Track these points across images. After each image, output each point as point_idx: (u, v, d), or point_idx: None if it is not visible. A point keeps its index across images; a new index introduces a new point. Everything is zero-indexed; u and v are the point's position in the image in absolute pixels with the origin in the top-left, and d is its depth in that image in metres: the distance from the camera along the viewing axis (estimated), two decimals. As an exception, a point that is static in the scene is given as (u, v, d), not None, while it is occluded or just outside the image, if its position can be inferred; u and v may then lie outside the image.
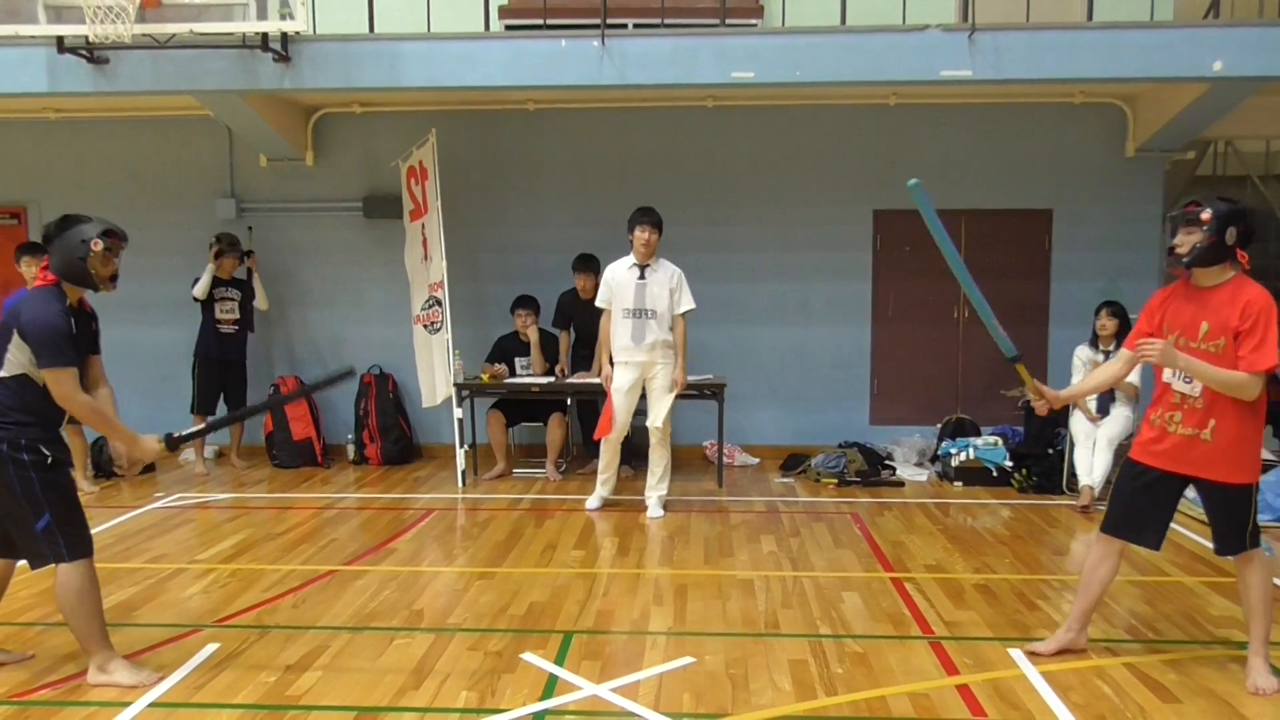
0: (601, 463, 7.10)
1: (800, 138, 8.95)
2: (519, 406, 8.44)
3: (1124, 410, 7.23)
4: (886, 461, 8.37)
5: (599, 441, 7.12)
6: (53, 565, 3.96)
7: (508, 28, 8.15)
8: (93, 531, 4.14)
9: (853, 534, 6.51)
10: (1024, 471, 7.81)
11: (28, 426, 3.90)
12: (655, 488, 7.00)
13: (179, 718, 3.78)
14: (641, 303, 6.85)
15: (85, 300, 4.12)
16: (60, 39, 7.08)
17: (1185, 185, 9.78)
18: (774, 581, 5.43)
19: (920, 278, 8.95)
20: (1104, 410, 7.27)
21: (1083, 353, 7.48)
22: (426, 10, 7.85)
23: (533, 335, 8.35)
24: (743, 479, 8.27)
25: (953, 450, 8.13)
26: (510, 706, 3.82)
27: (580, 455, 8.74)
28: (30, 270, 6.88)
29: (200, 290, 8.43)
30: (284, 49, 7.14)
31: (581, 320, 8.32)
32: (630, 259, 6.93)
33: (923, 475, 8.24)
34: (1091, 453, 7.16)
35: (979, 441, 8.14)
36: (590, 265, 8.23)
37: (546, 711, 3.80)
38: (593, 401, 8.40)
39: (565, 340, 8.45)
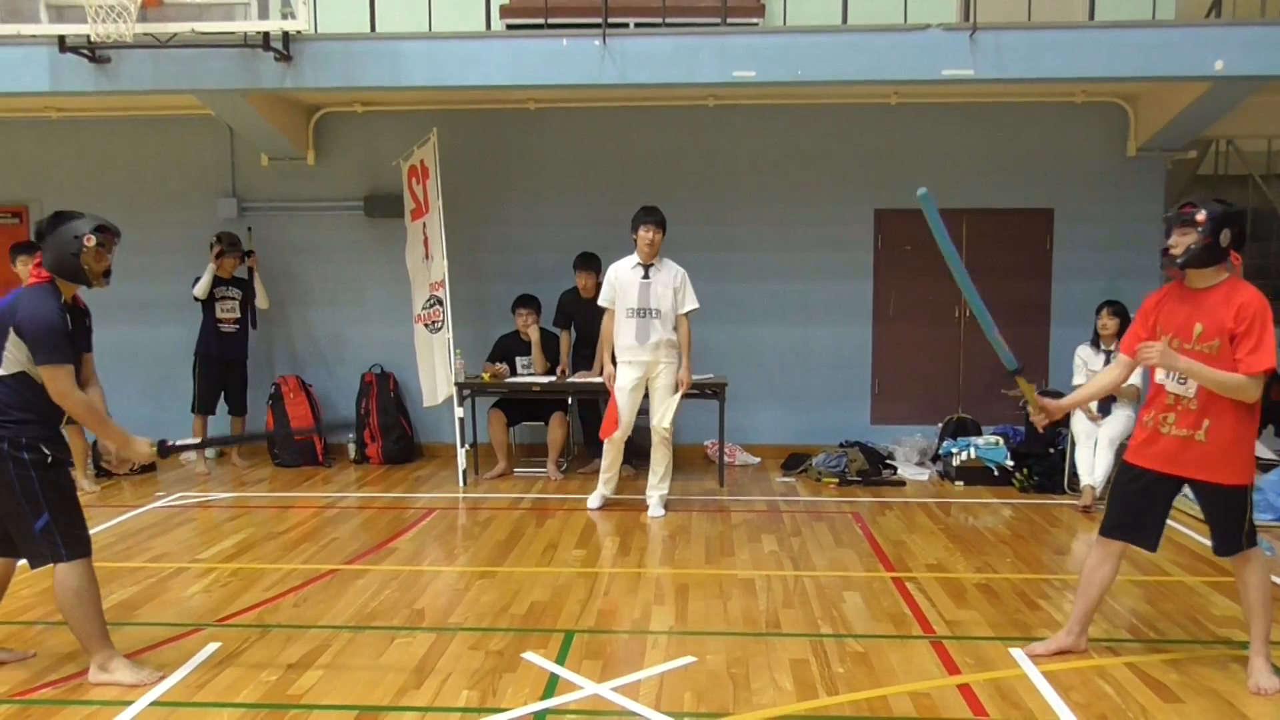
0: (605, 462, 7.10)
1: (801, 137, 8.95)
2: (520, 406, 8.44)
3: (1125, 410, 7.23)
4: (887, 461, 8.37)
5: (602, 441, 7.12)
6: (51, 565, 3.96)
7: (509, 27, 8.15)
8: (94, 530, 4.15)
9: (854, 533, 6.51)
10: (1025, 471, 7.81)
11: (28, 425, 3.90)
12: (656, 487, 6.99)
13: (180, 717, 3.78)
14: (646, 302, 6.85)
15: (79, 297, 4.12)
16: (62, 38, 7.08)
17: (1187, 184, 9.79)
18: (775, 581, 5.43)
19: (921, 277, 8.95)
20: (1105, 410, 7.26)
21: (1084, 352, 7.48)
22: (428, 10, 7.86)
23: (534, 334, 8.35)
24: (744, 478, 8.27)
25: (954, 450, 8.13)
26: (511, 706, 3.82)
27: (581, 455, 8.75)
28: (26, 269, 6.87)
29: (201, 290, 8.44)
30: (285, 48, 7.14)
31: (582, 319, 8.32)
32: (634, 258, 6.93)
33: (924, 475, 8.24)
34: (1093, 452, 7.16)
35: (980, 441, 8.13)
36: (591, 264, 8.23)
37: (548, 711, 3.80)
38: (594, 401, 8.41)
39: (566, 339, 8.45)
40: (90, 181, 9.15)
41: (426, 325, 8.40)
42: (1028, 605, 5.04)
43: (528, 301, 8.41)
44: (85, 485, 7.58)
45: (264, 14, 6.94)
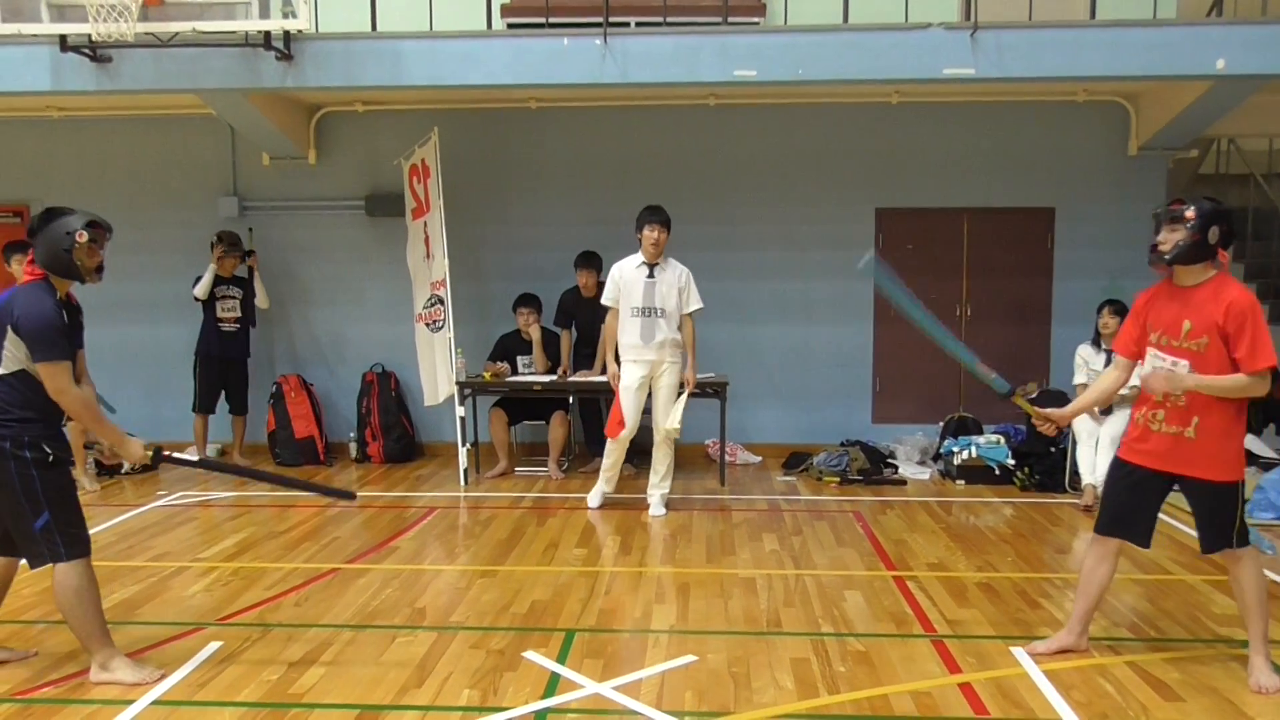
0: (608, 460, 7.08)
1: (802, 136, 8.95)
2: (521, 405, 8.44)
3: (1126, 409, 7.21)
4: (889, 460, 8.37)
5: (604, 441, 7.11)
6: (51, 564, 3.96)
7: (510, 26, 8.16)
8: (96, 530, 4.16)
9: (855, 532, 6.51)
10: (1026, 470, 7.81)
11: (30, 423, 3.90)
12: (658, 486, 6.99)
13: (181, 716, 3.78)
14: (651, 301, 6.84)
15: (72, 294, 4.12)
16: (63, 38, 7.08)
17: (1188, 183, 9.78)
18: (776, 580, 5.43)
19: (922, 276, 8.93)
20: (1106, 409, 7.25)
21: (1085, 352, 7.47)
22: (429, 9, 7.86)
23: (535, 333, 8.35)
24: (745, 477, 8.27)
25: (955, 449, 8.13)
26: (512, 705, 3.82)
27: (582, 454, 8.75)
28: (21, 268, 6.84)
29: (201, 290, 8.45)
30: (286, 47, 7.15)
31: (583, 318, 8.32)
32: (638, 257, 6.92)
33: (925, 474, 8.24)
34: (1094, 451, 7.14)
35: (981, 440, 8.13)
36: (592, 262, 8.23)
37: (548, 710, 3.80)
38: (595, 400, 8.42)
39: (567, 339, 8.45)
40: (91, 181, 9.15)
41: (428, 324, 8.41)
42: (1029, 604, 5.04)
43: (529, 300, 8.41)
44: (85, 484, 7.59)
45: (265, 13, 6.94)
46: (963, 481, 7.95)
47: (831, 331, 9.05)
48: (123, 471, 8.26)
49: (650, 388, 6.95)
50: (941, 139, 8.85)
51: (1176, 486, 4.10)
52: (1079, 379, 7.41)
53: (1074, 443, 7.46)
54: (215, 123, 8.87)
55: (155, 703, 3.85)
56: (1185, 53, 6.99)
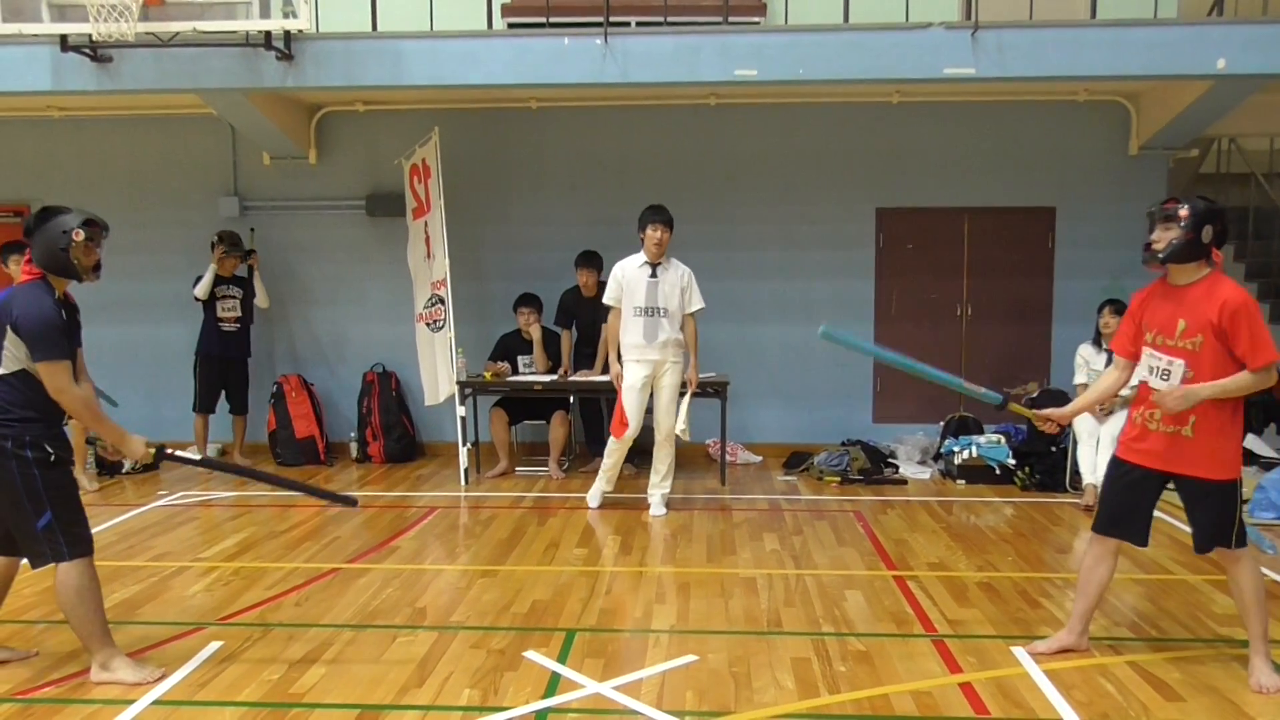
0: (609, 460, 7.05)
1: (803, 136, 8.94)
2: (521, 404, 8.45)
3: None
4: (889, 459, 8.37)
5: (604, 441, 7.10)
6: (53, 564, 3.96)
7: (510, 26, 8.16)
8: (96, 529, 4.15)
9: (855, 532, 6.51)
10: (1027, 469, 7.81)
11: (31, 423, 3.90)
12: (658, 486, 6.99)
13: (182, 715, 3.78)
14: (654, 301, 6.84)
15: (69, 293, 4.12)
16: (64, 37, 7.08)
17: (1189, 183, 9.77)
18: (777, 579, 5.43)
19: (923, 275, 8.96)
20: (1109, 410, 7.25)
21: (1085, 351, 7.47)
22: (429, 9, 7.86)
23: (535, 333, 8.36)
24: (745, 477, 8.27)
25: (956, 448, 8.13)
26: (513, 704, 3.82)
27: (583, 453, 8.75)
28: (18, 268, 6.82)
29: (202, 291, 8.46)
30: (287, 47, 7.15)
31: (584, 318, 8.33)
32: (640, 257, 6.91)
33: (925, 473, 8.24)
34: (1095, 450, 7.14)
35: (982, 439, 8.13)
36: (593, 262, 8.24)
37: (549, 709, 3.80)
38: (595, 400, 8.42)
39: (568, 338, 8.45)
40: (92, 181, 9.15)
41: (428, 324, 8.41)
42: (1029, 604, 5.04)
43: (529, 300, 8.41)
44: (85, 484, 7.57)
45: (266, 13, 6.95)
46: (963, 481, 7.95)
47: (832, 331, 9.03)
48: (123, 471, 8.26)
49: (652, 387, 6.94)
50: (942, 138, 8.85)
51: (1171, 485, 4.10)
52: (1079, 379, 7.41)
53: (1075, 442, 7.45)
54: (216, 123, 8.87)
55: (156, 702, 3.85)
56: (1186, 52, 6.99)
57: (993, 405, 4.50)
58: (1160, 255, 3.94)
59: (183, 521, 6.86)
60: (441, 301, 8.12)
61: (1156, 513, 4.25)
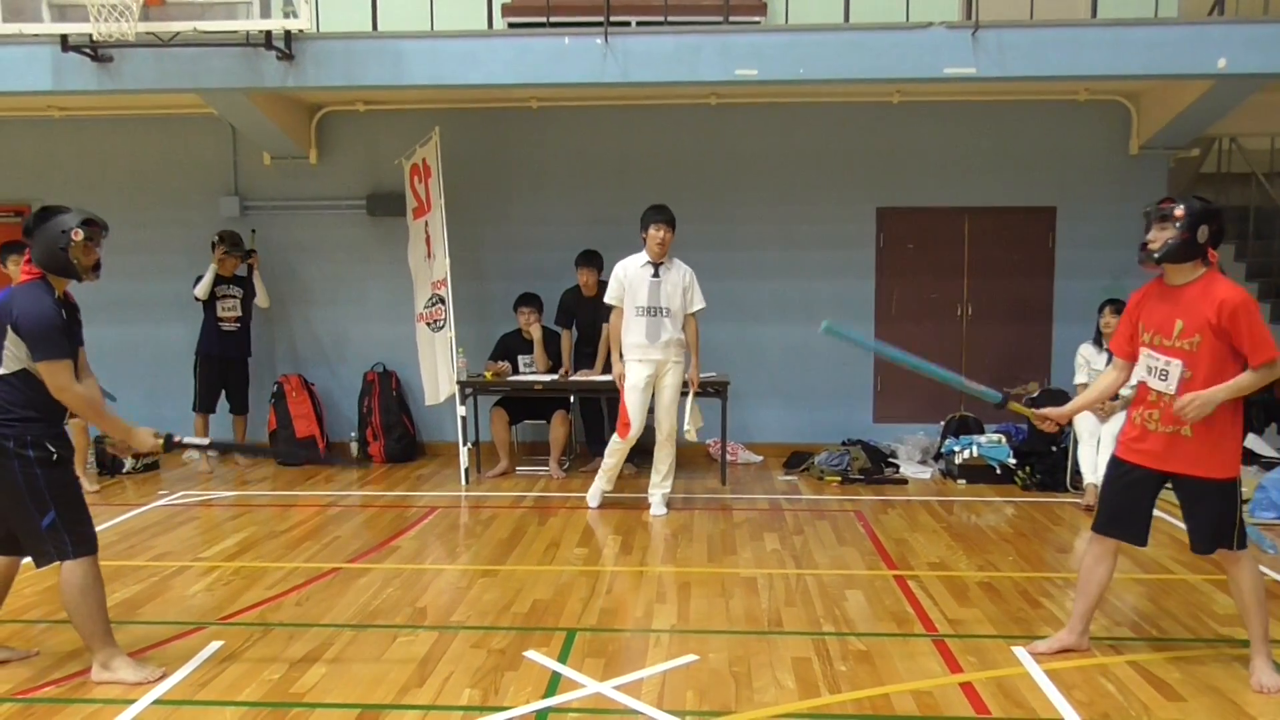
0: (611, 460, 7.03)
1: (803, 135, 8.94)
2: (522, 404, 8.44)
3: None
4: (890, 459, 8.37)
5: (604, 440, 7.09)
6: (57, 563, 3.96)
7: (511, 26, 8.16)
8: (97, 529, 4.14)
9: (856, 532, 6.51)
10: (1028, 469, 7.81)
11: (32, 423, 3.90)
12: (659, 485, 6.99)
13: (182, 715, 3.78)
14: (656, 300, 6.83)
15: (69, 293, 4.11)
16: (64, 37, 7.08)
17: (1189, 182, 9.77)
18: (777, 579, 5.43)
19: (923, 275, 8.96)
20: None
21: (1086, 351, 7.47)
22: (430, 8, 7.86)
23: (536, 333, 8.36)
24: (746, 477, 8.27)
25: (956, 448, 8.13)
26: (513, 704, 3.82)
27: (583, 453, 8.75)
28: (17, 268, 6.81)
29: (202, 291, 8.46)
30: (287, 47, 7.15)
31: (584, 317, 8.32)
32: (642, 257, 6.91)
33: (926, 473, 8.23)
34: (1096, 450, 7.13)
35: (982, 439, 8.13)
36: (593, 261, 8.23)
37: (550, 709, 3.80)
38: (596, 400, 8.42)
39: (568, 338, 8.44)
40: (93, 180, 9.15)
41: (429, 324, 8.41)
42: (1030, 603, 5.03)
43: (530, 300, 8.41)
44: (86, 485, 7.54)
45: (266, 13, 6.94)
46: (964, 481, 7.95)
47: (833, 331, 9.02)
48: (124, 471, 8.27)
49: (654, 387, 6.93)
50: (942, 138, 8.85)
51: (1170, 485, 4.10)
52: (1080, 379, 7.41)
53: (1075, 442, 7.45)
54: (216, 122, 8.87)
55: (157, 702, 3.85)
56: (1187, 52, 6.99)
57: (992, 404, 4.50)
58: (1156, 255, 3.95)
59: (183, 521, 6.86)
60: (442, 301, 8.13)
61: (1157, 513, 4.26)
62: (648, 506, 6.98)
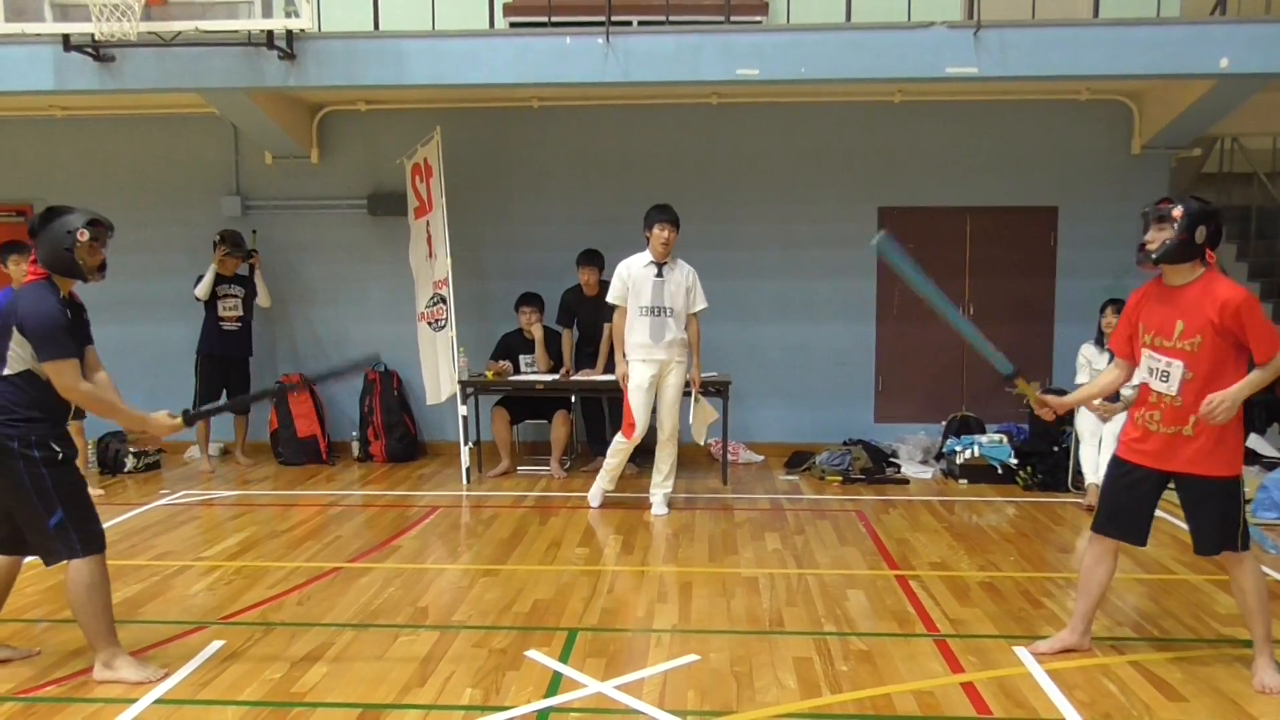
0: (615, 460, 7.01)
1: (805, 135, 8.94)
2: (523, 404, 8.45)
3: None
4: (891, 459, 8.37)
5: (605, 440, 7.09)
6: (65, 561, 3.97)
7: (512, 25, 8.16)
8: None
9: (857, 531, 6.51)
10: (1029, 469, 7.80)
11: (37, 423, 3.90)
12: (661, 485, 6.99)
13: (184, 714, 3.78)
14: (660, 300, 6.83)
15: (75, 293, 4.11)
16: (66, 37, 7.09)
17: (1191, 182, 9.76)
18: (778, 579, 5.43)
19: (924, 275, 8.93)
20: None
21: (1087, 351, 7.47)
22: (431, 8, 7.85)
23: (537, 332, 8.36)
24: (747, 476, 8.27)
25: (958, 448, 8.12)
26: (515, 704, 3.82)
27: (584, 453, 8.74)
28: (19, 269, 6.79)
29: (203, 291, 8.46)
30: (289, 46, 7.16)
31: (585, 317, 8.32)
32: (645, 256, 6.90)
33: (927, 473, 8.23)
34: (1097, 450, 7.14)
35: (984, 439, 8.12)
36: (594, 260, 8.23)
37: (551, 709, 3.80)
38: (597, 400, 8.41)
39: (569, 337, 8.44)
40: (94, 180, 9.15)
41: (430, 323, 8.41)
42: (1031, 603, 5.03)
43: (531, 299, 8.41)
44: (91, 489, 7.55)
45: (268, 12, 6.96)
46: (965, 481, 7.94)
47: (834, 330, 9.04)
48: (125, 471, 8.28)
49: (657, 387, 6.93)
50: (944, 138, 8.85)
51: (1171, 485, 4.09)
52: (1081, 378, 7.40)
53: (1077, 442, 7.45)
54: (218, 122, 8.88)
55: (158, 701, 3.85)
56: (1189, 51, 6.99)
57: (1003, 373, 4.45)
58: (1154, 256, 3.95)
59: (184, 520, 6.86)
60: (443, 300, 8.13)
61: (1158, 513, 4.26)
62: (649, 506, 6.98)
